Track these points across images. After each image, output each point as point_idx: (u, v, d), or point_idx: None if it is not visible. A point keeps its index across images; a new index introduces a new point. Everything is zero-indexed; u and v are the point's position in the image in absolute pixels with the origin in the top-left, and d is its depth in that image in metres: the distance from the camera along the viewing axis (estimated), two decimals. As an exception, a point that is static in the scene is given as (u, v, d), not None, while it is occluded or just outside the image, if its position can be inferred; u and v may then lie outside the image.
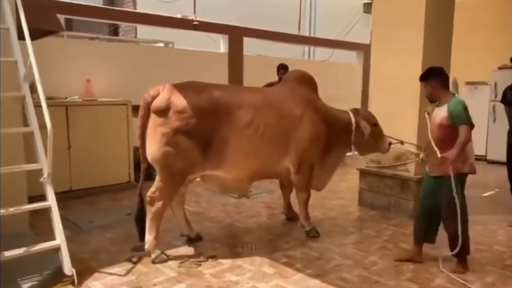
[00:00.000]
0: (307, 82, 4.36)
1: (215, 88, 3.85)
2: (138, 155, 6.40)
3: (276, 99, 4.07)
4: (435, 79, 3.53)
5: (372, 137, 4.37)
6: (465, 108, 3.41)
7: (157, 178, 3.68)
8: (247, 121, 3.77)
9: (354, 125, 4.32)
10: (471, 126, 3.39)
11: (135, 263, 3.63)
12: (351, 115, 4.37)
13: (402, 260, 3.69)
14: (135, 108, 6.48)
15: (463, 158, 3.39)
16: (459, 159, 3.35)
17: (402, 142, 4.90)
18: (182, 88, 3.70)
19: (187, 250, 3.94)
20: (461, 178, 3.47)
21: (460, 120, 3.39)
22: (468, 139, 3.38)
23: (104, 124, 5.97)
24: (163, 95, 3.62)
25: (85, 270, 3.43)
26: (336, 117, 4.37)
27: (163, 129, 3.55)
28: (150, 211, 3.65)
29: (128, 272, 3.46)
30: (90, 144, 5.81)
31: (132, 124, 6.22)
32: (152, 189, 3.67)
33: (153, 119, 3.60)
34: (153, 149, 3.61)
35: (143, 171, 3.84)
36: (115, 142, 6.09)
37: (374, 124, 4.40)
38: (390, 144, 4.59)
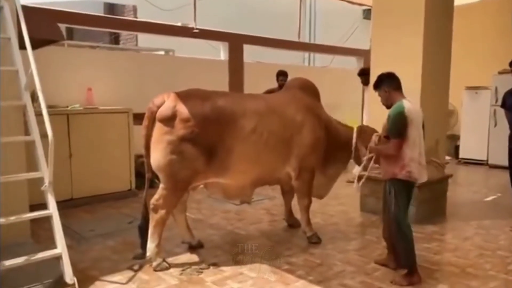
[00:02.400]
0: (309, 89, 4.38)
1: (219, 96, 3.87)
2: (139, 163, 6.49)
3: (279, 106, 4.08)
4: (386, 84, 3.48)
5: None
6: (400, 115, 3.26)
7: (161, 186, 3.68)
8: (251, 129, 3.79)
9: (354, 144, 4.25)
10: (401, 138, 3.26)
11: (136, 271, 3.62)
12: (355, 134, 4.28)
13: (379, 263, 3.69)
14: (136, 116, 6.50)
15: (401, 164, 3.29)
16: (396, 164, 3.30)
17: None
18: (186, 96, 3.71)
19: (189, 257, 3.93)
20: (397, 185, 3.34)
21: (391, 132, 3.34)
22: (391, 151, 3.32)
23: (105, 132, 5.98)
24: (169, 103, 3.63)
25: (86, 279, 3.42)
26: (337, 131, 4.36)
27: (168, 137, 3.56)
28: (153, 219, 3.65)
29: (130, 280, 3.45)
30: (92, 152, 5.82)
31: (133, 132, 6.24)
32: (156, 196, 3.67)
33: (159, 128, 3.61)
34: (158, 157, 3.61)
35: (148, 181, 3.83)
36: (116, 150, 6.10)
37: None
38: None
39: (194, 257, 3.92)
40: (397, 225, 3.36)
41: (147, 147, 3.71)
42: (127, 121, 6.18)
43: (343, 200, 5.87)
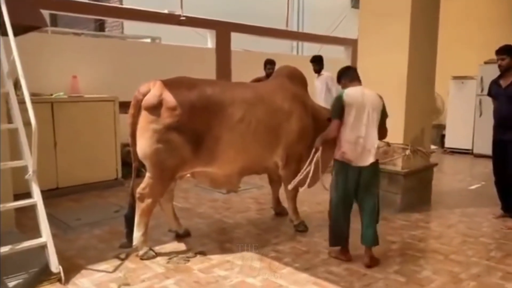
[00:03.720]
0: (297, 78, 4.37)
1: (206, 84, 3.83)
2: (126, 152, 6.44)
3: (266, 94, 4.07)
4: (343, 77, 3.72)
5: None
6: (338, 99, 3.52)
7: (147, 174, 3.66)
8: (239, 117, 3.77)
9: None
10: (338, 119, 3.49)
11: (123, 259, 3.61)
12: None
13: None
14: (122, 105, 6.43)
15: (339, 146, 3.52)
16: (337, 146, 3.55)
17: (388, 144, 4.93)
18: (173, 84, 3.67)
19: (176, 246, 3.93)
20: (336, 165, 3.57)
21: (330, 114, 3.62)
22: (330, 132, 3.54)
23: (90, 120, 5.91)
24: (154, 91, 3.59)
25: (72, 267, 3.40)
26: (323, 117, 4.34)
27: (154, 126, 3.53)
28: (139, 208, 3.63)
29: (116, 268, 3.44)
30: (77, 141, 5.75)
31: (119, 121, 6.18)
32: (142, 185, 3.65)
33: (145, 116, 3.58)
34: (144, 146, 3.58)
35: (135, 170, 3.81)
36: (102, 139, 6.04)
37: None
38: (378, 148, 4.59)
39: (181, 246, 3.92)
40: (329, 204, 3.61)
41: (133, 136, 3.67)
42: (113, 110, 6.11)
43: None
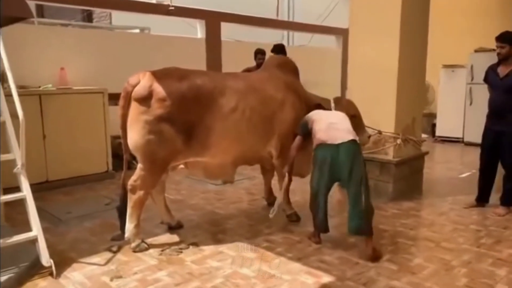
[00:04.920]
0: (288, 67, 4.33)
1: (197, 74, 3.79)
2: (116, 144, 6.38)
3: (258, 83, 4.03)
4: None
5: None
6: (303, 124, 3.90)
7: (139, 166, 3.63)
8: (232, 107, 3.74)
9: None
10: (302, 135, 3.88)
11: (115, 252, 3.59)
12: (332, 104, 4.27)
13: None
14: (112, 96, 6.36)
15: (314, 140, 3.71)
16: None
17: (380, 132, 4.94)
18: (163, 75, 3.62)
19: (168, 238, 3.91)
20: (314, 151, 3.70)
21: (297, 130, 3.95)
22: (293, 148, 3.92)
23: (80, 113, 5.84)
24: (144, 82, 3.54)
25: (63, 261, 3.37)
26: (317, 105, 4.33)
27: (145, 117, 3.49)
28: (131, 200, 3.61)
29: (108, 261, 3.42)
30: (66, 133, 5.68)
31: (109, 113, 6.11)
32: (134, 177, 3.62)
33: (135, 108, 3.53)
34: (135, 138, 3.55)
35: (126, 162, 3.77)
36: (92, 131, 5.97)
37: (353, 115, 4.33)
38: (369, 137, 4.61)
39: (173, 237, 3.91)
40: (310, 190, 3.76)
41: (124, 128, 3.63)
42: (102, 102, 6.04)
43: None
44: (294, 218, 4.29)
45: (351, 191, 3.46)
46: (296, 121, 4.08)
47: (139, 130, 3.51)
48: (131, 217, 3.61)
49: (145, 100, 3.50)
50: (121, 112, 3.62)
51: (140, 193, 3.59)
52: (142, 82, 3.55)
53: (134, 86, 3.55)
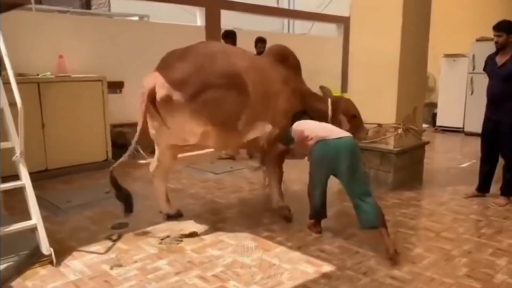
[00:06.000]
0: (289, 58, 4.19)
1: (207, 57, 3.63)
2: (115, 132, 6.36)
3: (263, 67, 3.95)
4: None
5: (351, 127, 4.24)
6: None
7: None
8: (250, 86, 3.65)
9: (330, 115, 4.12)
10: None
11: (115, 241, 3.58)
12: (329, 106, 4.16)
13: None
14: (111, 85, 6.33)
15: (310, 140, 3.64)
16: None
17: (380, 125, 4.92)
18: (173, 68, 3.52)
19: (168, 227, 3.90)
20: (312, 148, 3.62)
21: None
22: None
23: (79, 101, 5.79)
24: (160, 82, 3.47)
25: (63, 249, 3.37)
26: (313, 105, 4.18)
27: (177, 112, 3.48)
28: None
29: (108, 250, 3.42)
30: (65, 122, 5.65)
31: (108, 101, 6.08)
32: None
33: (164, 108, 3.48)
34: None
35: (131, 150, 3.64)
36: (91, 120, 5.94)
37: (354, 116, 4.27)
38: (367, 132, 4.58)
39: (173, 226, 3.90)
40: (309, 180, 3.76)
41: (142, 130, 3.60)
42: (101, 90, 5.99)
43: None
44: (286, 213, 4.10)
45: (355, 186, 3.43)
46: (288, 113, 3.98)
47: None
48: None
49: (169, 99, 3.45)
50: (142, 120, 3.57)
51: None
52: (159, 82, 3.48)
53: (151, 89, 3.48)
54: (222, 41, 6.69)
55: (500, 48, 4.40)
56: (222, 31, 6.95)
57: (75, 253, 3.35)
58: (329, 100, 4.21)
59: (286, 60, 4.19)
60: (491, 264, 3.18)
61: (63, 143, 5.61)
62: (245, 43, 7.02)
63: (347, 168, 3.42)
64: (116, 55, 6.75)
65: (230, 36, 6.83)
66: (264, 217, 4.15)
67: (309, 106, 4.14)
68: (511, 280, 2.94)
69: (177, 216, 4.11)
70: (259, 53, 6.62)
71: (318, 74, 8.32)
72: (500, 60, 4.42)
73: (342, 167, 3.43)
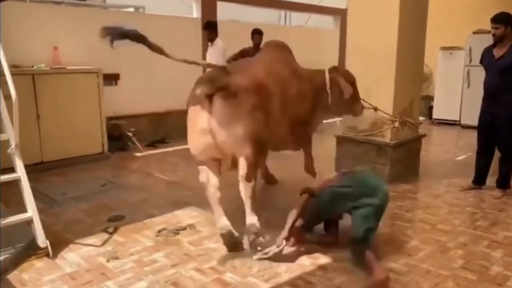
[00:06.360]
0: (288, 52, 4.19)
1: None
2: (111, 125, 6.33)
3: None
4: None
5: (347, 97, 4.25)
6: None
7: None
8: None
9: (328, 84, 4.12)
10: None
11: (111, 233, 3.57)
12: (327, 75, 4.15)
13: None
14: (106, 77, 6.28)
15: None
16: None
17: (376, 109, 4.90)
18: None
19: (165, 219, 3.90)
20: None
21: None
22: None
23: (74, 93, 5.75)
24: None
25: (59, 242, 3.36)
26: (312, 80, 4.17)
27: None
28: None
29: (105, 242, 3.41)
30: (61, 114, 5.61)
31: (104, 94, 6.03)
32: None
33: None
34: None
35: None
36: (87, 112, 5.90)
37: (353, 82, 4.31)
38: (363, 108, 4.60)
39: (170, 219, 3.90)
40: None
41: None
42: (97, 82, 5.95)
43: (318, 162, 5.88)
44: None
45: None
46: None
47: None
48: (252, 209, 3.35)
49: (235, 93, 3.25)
50: None
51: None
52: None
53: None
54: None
55: (498, 41, 4.39)
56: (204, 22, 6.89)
57: (71, 246, 3.34)
58: (326, 71, 4.22)
59: (282, 50, 4.15)
60: (487, 256, 3.20)
61: (58, 135, 5.58)
62: (242, 35, 7.01)
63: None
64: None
65: (210, 27, 6.75)
66: (262, 210, 4.13)
67: (311, 81, 4.13)
68: (507, 272, 2.96)
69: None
70: (256, 45, 6.59)
71: (315, 66, 8.25)
72: (497, 52, 4.41)
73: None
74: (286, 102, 3.66)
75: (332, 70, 4.28)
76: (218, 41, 6.77)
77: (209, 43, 6.86)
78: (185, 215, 3.98)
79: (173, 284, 2.80)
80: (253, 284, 2.81)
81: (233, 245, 3.24)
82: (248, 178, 3.29)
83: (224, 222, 3.30)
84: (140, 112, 7.14)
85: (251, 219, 3.28)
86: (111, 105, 6.28)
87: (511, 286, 2.78)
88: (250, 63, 3.79)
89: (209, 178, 3.42)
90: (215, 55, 6.66)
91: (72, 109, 5.73)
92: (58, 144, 5.59)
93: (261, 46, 4.80)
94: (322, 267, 3.02)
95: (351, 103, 4.37)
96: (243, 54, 6.59)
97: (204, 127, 3.13)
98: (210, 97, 3.07)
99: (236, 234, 3.27)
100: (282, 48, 4.18)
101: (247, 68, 3.58)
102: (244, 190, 3.31)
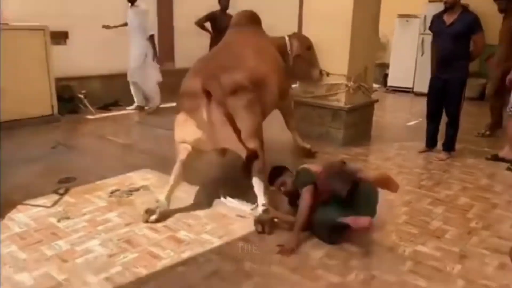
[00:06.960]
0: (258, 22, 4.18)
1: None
2: (61, 86, 6.06)
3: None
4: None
5: (305, 62, 4.36)
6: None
7: None
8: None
9: (289, 47, 4.28)
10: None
11: (62, 194, 3.49)
12: (287, 40, 4.32)
13: None
14: (54, 35, 5.95)
15: None
16: None
17: (327, 74, 4.98)
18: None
19: (118, 180, 3.84)
20: None
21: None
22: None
23: (19, 52, 5.42)
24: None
25: (7, 203, 3.25)
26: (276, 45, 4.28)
27: None
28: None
29: (55, 203, 3.33)
30: (6, 74, 5.28)
31: (52, 53, 5.74)
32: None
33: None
34: None
35: None
36: (33, 72, 5.60)
37: (308, 47, 4.38)
38: (321, 72, 4.67)
39: (123, 181, 3.84)
40: None
41: None
42: (44, 40, 5.62)
43: (277, 127, 5.87)
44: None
45: None
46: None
47: None
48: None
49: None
50: None
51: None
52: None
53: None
54: None
55: (449, 7, 4.48)
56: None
57: (20, 207, 3.25)
58: (286, 36, 4.40)
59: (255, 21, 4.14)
60: (429, 212, 3.39)
61: (4, 97, 5.28)
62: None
63: None
64: (60, 1, 6.31)
65: None
66: (213, 171, 4.15)
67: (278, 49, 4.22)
68: (445, 226, 3.15)
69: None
70: (224, 7, 6.37)
71: (273, 31, 8.19)
72: (448, 19, 4.50)
73: None
74: (275, 79, 3.70)
75: (291, 36, 4.43)
76: (140, 4, 6.33)
77: (130, 5, 6.33)
78: (139, 177, 3.94)
79: (126, 242, 2.79)
80: (207, 241, 2.85)
81: (147, 219, 3.05)
82: (262, 170, 3.19)
83: (165, 199, 3.20)
84: (92, 74, 6.84)
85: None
86: (60, 66, 5.99)
87: (448, 239, 2.97)
88: (238, 52, 3.60)
89: (186, 157, 3.33)
90: (138, 19, 6.28)
91: (18, 69, 5.41)
92: (4, 106, 5.28)
93: (233, 16, 4.54)
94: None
95: (308, 67, 4.45)
96: (211, 18, 6.40)
97: (201, 123, 3.12)
98: (208, 93, 3.02)
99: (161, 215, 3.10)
100: (257, 22, 4.15)
101: (238, 58, 3.48)
102: (259, 184, 3.17)
